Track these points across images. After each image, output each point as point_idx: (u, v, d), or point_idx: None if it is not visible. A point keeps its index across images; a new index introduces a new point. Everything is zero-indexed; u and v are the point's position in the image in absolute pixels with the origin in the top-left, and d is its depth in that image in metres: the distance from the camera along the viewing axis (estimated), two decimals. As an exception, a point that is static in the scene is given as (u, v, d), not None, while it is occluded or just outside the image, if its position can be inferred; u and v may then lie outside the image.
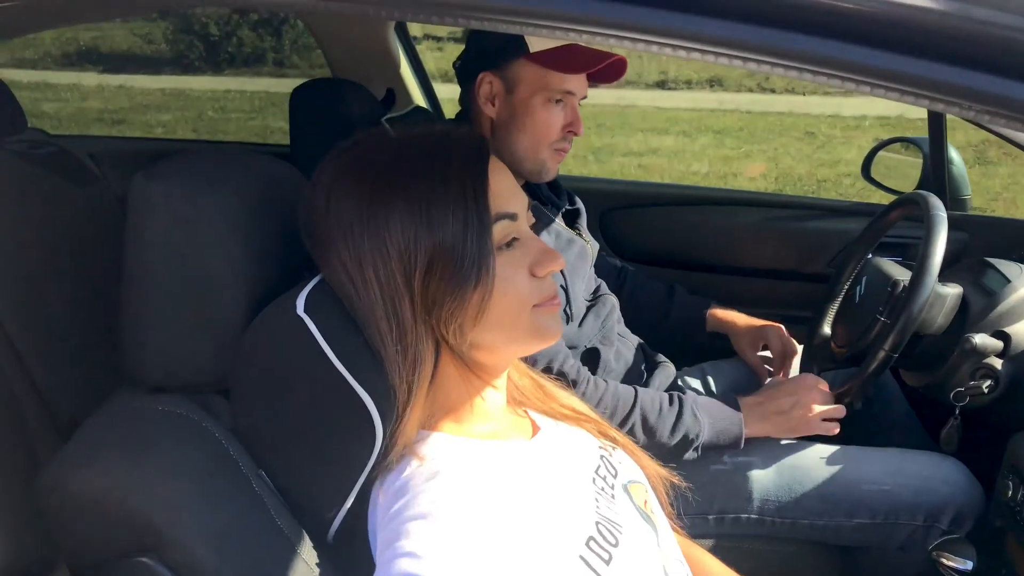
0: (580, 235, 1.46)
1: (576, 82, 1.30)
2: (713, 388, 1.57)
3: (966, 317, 1.30)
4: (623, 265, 1.77)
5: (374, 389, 0.72)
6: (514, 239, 0.78)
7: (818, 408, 1.30)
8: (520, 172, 1.33)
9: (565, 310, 1.33)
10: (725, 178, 6.12)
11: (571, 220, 1.50)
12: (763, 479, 1.28)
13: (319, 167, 0.78)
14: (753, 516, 1.28)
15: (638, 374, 1.47)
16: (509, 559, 0.66)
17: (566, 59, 1.26)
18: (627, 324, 1.54)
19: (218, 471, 0.72)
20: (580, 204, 1.54)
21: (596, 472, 0.85)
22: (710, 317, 1.65)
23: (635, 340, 1.53)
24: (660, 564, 0.80)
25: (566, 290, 1.33)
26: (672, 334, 1.67)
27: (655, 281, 1.74)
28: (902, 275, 1.36)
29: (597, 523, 0.76)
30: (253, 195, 0.82)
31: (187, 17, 11.32)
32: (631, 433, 1.22)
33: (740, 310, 1.66)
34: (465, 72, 1.36)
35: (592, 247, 1.50)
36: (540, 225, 1.35)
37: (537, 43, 1.26)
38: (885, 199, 1.80)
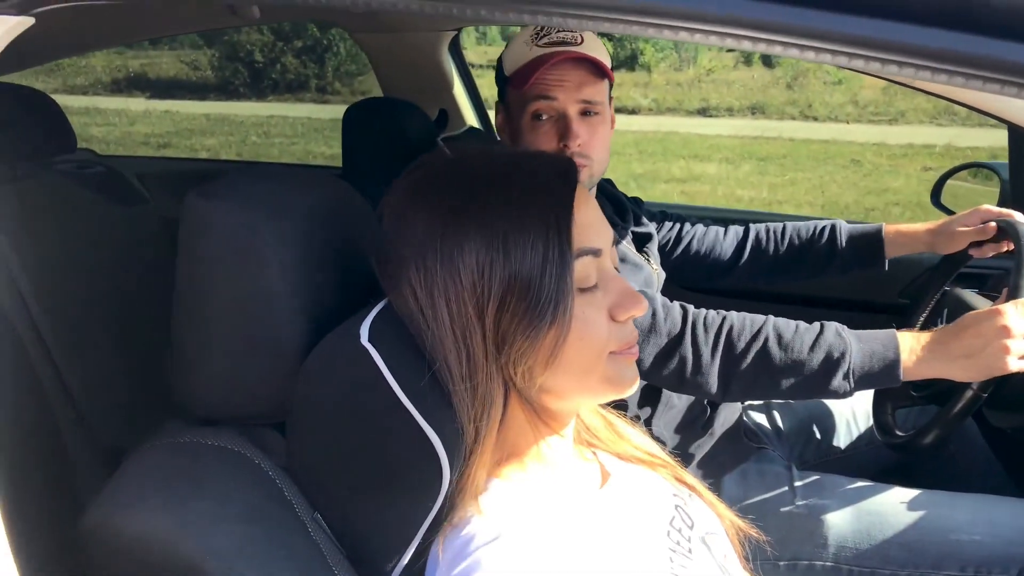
0: (649, 261, 1.38)
1: (562, 93, 1.21)
2: (780, 425, 1.48)
3: None
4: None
5: (442, 429, 0.67)
6: (596, 278, 0.72)
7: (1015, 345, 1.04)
8: None
9: None
10: (771, 205, 6.03)
11: (640, 243, 1.43)
12: (840, 524, 1.21)
13: (390, 189, 0.74)
14: (828, 564, 1.21)
15: (701, 410, 1.39)
16: None
17: (524, 73, 1.23)
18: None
19: (272, 514, 0.67)
20: (652, 227, 1.47)
21: (671, 524, 0.79)
22: (888, 237, 1.46)
23: None
24: None
25: None
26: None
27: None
28: (988, 307, 1.27)
29: None
30: (310, 213, 0.77)
31: (233, 44, 11.61)
32: (764, 353, 1.09)
33: None
34: None
35: (659, 276, 1.41)
36: None
37: (510, 65, 1.26)
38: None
